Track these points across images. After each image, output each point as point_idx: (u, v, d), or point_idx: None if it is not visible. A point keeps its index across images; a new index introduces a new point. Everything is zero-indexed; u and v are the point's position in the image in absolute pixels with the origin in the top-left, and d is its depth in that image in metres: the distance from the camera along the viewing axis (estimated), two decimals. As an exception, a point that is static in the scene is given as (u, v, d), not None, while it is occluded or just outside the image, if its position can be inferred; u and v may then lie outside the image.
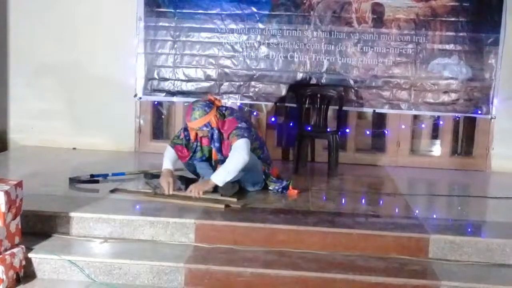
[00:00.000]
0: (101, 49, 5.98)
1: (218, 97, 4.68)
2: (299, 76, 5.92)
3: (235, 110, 4.64)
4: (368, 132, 6.23)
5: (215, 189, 4.28)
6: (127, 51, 5.98)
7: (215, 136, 4.31)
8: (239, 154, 4.16)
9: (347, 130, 6.03)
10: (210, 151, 4.47)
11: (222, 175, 4.16)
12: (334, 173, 5.40)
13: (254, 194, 4.44)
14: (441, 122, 6.08)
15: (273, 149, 5.77)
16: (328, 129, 5.71)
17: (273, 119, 6.07)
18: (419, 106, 5.90)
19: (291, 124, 6.01)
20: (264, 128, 6.02)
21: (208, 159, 4.50)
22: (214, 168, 4.41)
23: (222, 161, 4.33)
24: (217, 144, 4.35)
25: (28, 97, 6.05)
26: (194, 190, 4.12)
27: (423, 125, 6.24)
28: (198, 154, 4.47)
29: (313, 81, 5.92)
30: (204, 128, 4.27)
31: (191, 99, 5.93)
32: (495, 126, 5.88)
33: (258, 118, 6.04)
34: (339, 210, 4.23)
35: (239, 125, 4.28)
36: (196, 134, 4.39)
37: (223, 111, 4.39)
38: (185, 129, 4.47)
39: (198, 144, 4.45)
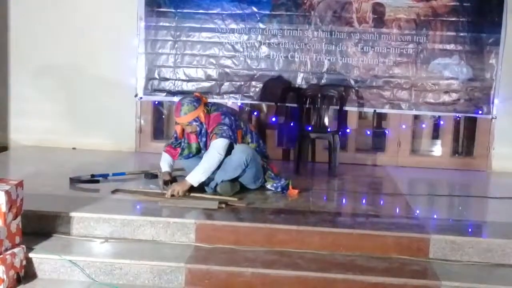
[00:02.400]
0: (101, 49, 5.98)
1: (205, 96, 4.68)
2: (300, 76, 5.92)
3: (221, 105, 4.60)
4: (368, 132, 6.23)
5: (215, 190, 4.31)
6: (127, 51, 5.98)
7: (203, 131, 4.34)
8: (214, 154, 4.21)
9: (348, 130, 6.03)
10: (197, 148, 4.50)
11: (197, 176, 4.22)
12: (334, 173, 5.39)
13: (254, 194, 4.44)
14: (441, 122, 6.09)
15: (273, 150, 5.78)
16: (329, 129, 5.71)
17: (273, 119, 6.07)
18: (419, 106, 5.90)
19: (291, 124, 6.01)
20: (264, 128, 6.03)
21: (196, 155, 4.53)
22: None
23: None
24: (204, 139, 4.38)
25: (29, 97, 6.06)
26: (172, 192, 4.15)
27: (423, 125, 6.24)
28: (185, 151, 4.52)
29: (314, 81, 5.92)
30: (194, 123, 4.31)
31: (192, 99, 5.95)
32: (496, 126, 5.89)
33: (258, 118, 6.04)
34: (339, 210, 4.24)
35: (222, 122, 4.29)
36: (183, 131, 4.45)
37: (209, 107, 4.40)
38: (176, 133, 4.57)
39: (186, 141, 4.50)
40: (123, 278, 3.42)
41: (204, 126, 4.32)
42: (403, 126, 6.02)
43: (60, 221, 3.73)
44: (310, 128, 5.74)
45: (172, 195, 4.15)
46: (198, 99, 4.34)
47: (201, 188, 4.34)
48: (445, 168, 5.96)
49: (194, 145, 4.49)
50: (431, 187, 5.43)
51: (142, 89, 6.04)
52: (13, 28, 6.06)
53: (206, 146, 4.38)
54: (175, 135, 4.57)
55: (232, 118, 4.36)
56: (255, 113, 6.04)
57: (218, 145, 4.22)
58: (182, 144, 4.51)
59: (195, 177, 4.22)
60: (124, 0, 5.96)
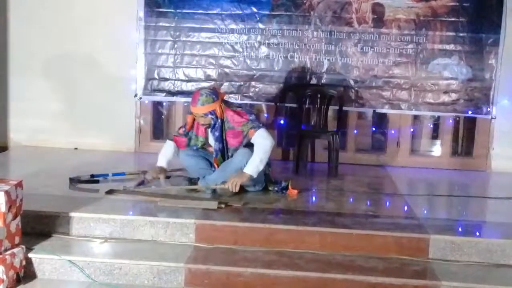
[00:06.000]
0: (101, 49, 5.98)
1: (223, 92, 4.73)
2: (300, 76, 5.92)
3: (242, 105, 4.70)
4: (368, 132, 6.22)
5: (214, 191, 4.31)
6: (127, 51, 5.98)
7: (217, 125, 4.34)
8: (264, 141, 4.25)
9: (347, 130, 6.03)
10: (202, 143, 4.52)
11: (255, 165, 4.23)
12: (334, 173, 5.40)
13: (254, 194, 4.44)
14: (441, 122, 6.08)
15: (273, 149, 5.76)
16: (328, 129, 5.71)
17: (273, 119, 6.06)
18: (419, 106, 5.90)
19: (291, 124, 6.01)
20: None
21: (200, 149, 4.55)
22: (213, 166, 4.48)
23: (219, 151, 4.40)
24: (216, 133, 4.37)
25: (28, 97, 6.06)
26: (232, 184, 4.16)
27: (423, 125, 6.24)
28: (192, 142, 4.53)
29: (314, 81, 5.92)
30: (209, 115, 4.30)
31: (191, 99, 5.96)
32: (495, 126, 5.89)
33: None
34: (339, 210, 4.23)
35: (251, 118, 4.35)
36: (193, 122, 4.45)
37: (229, 104, 4.45)
38: (186, 124, 4.58)
39: (193, 133, 4.52)
40: (123, 278, 3.42)
41: (219, 120, 4.32)
42: (403, 126, 6.02)
43: (60, 221, 3.73)
44: (309, 128, 5.74)
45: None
46: (217, 92, 4.38)
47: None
48: (445, 168, 5.96)
49: (200, 138, 4.52)
50: (431, 187, 5.42)
51: (142, 89, 6.04)
52: (13, 28, 6.05)
53: (220, 141, 4.37)
54: (184, 126, 4.56)
55: (255, 116, 4.48)
56: (282, 121, 6.02)
57: (262, 134, 4.29)
58: (190, 134, 4.52)
59: (253, 167, 4.22)
60: (124, 0, 5.96)
